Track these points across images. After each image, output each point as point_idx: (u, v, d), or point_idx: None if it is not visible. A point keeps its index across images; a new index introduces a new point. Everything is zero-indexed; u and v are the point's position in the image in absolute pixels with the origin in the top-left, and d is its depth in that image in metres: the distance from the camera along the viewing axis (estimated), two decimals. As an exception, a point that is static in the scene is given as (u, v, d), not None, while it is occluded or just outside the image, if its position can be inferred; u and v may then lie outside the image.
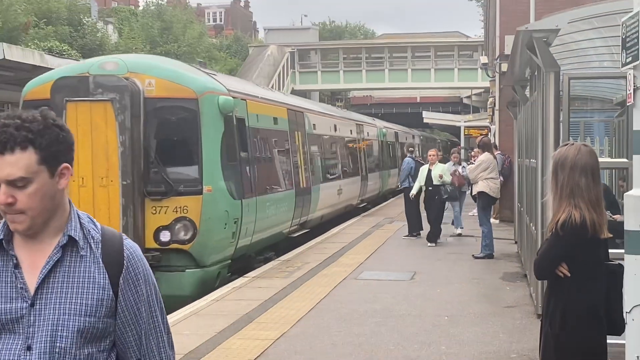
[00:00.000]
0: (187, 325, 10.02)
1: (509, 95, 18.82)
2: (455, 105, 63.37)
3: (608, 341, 4.89)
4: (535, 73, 10.45)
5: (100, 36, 46.27)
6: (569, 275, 4.62)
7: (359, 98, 70.63)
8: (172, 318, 10.46)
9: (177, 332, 9.48)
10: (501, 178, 18.06)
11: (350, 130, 28.71)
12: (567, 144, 4.84)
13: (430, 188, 17.42)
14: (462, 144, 44.25)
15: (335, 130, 25.64)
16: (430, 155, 18.18)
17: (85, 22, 47.05)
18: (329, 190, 23.02)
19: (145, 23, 55.98)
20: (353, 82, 57.08)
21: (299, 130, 20.25)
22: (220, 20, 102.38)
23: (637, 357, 6.69)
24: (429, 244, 17.41)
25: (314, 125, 22.09)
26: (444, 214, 18.25)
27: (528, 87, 12.84)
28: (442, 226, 18.13)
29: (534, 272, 5.03)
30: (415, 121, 57.75)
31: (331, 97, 63.56)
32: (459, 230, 19.53)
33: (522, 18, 17.91)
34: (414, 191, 18.26)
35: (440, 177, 17.25)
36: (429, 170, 17.52)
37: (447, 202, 18.06)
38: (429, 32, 76.57)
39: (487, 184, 15.64)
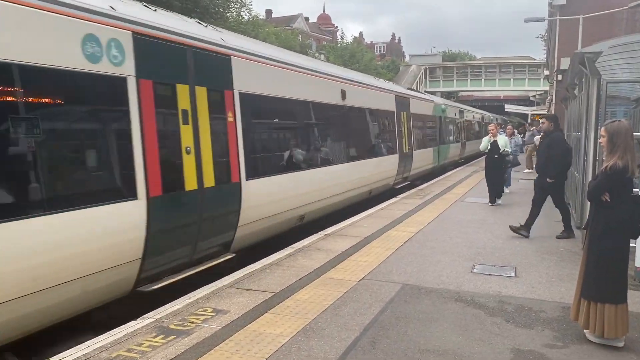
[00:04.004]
0: (365, 221, 10.15)
1: (562, 94, 17.52)
2: (524, 101, 59.95)
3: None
4: (583, 79, 9.62)
5: (316, 61, 47.04)
6: (609, 200, 4.35)
7: (464, 96, 67.68)
8: (358, 217, 10.70)
9: (359, 225, 9.73)
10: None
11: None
12: (614, 121, 4.40)
13: (496, 156, 12.26)
14: (528, 123, 41.81)
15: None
16: (491, 129, 12.37)
17: (308, 52, 48.05)
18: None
19: (339, 54, 56.52)
20: (461, 87, 55.06)
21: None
22: (383, 50, 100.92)
23: (645, 254, 6.21)
24: (490, 204, 12.30)
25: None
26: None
27: (577, 89, 11.84)
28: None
29: (586, 196, 4.65)
30: (500, 111, 54.97)
31: (447, 96, 61.35)
32: (507, 190, 14.20)
33: (572, 47, 16.83)
34: (482, 148, 12.53)
35: (504, 150, 12.31)
36: (495, 141, 12.24)
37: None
38: (510, 55, 71.79)
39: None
